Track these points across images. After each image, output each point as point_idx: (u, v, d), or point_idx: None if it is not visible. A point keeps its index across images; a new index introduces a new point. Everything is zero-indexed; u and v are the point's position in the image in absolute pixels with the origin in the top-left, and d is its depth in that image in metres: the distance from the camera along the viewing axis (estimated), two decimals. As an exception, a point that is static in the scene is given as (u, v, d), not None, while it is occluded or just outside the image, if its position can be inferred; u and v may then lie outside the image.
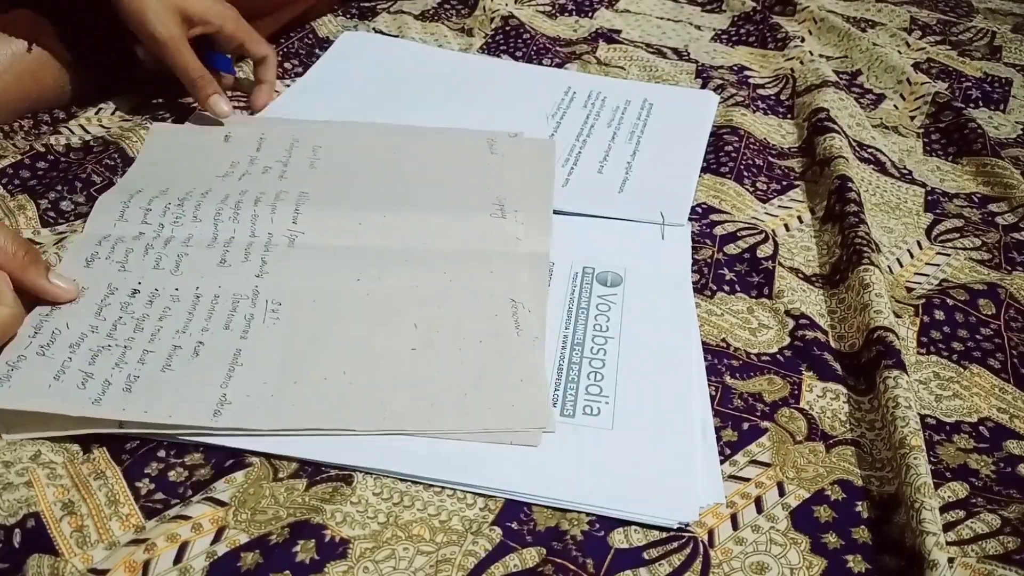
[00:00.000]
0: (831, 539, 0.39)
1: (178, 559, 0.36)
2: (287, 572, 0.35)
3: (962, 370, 0.50)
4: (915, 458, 0.40)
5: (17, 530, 0.36)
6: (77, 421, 0.40)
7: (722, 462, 0.42)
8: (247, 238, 0.51)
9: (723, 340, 0.50)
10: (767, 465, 0.43)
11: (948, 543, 0.39)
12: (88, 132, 0.64)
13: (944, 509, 0.41)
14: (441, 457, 0.41)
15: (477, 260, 0.51)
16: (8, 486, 0.38)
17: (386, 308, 0.47)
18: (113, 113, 0.67)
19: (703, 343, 0.50)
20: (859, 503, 0.41)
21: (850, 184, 0.62)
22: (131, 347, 0.43)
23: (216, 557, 0.36)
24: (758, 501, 0.41)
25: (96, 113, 0.67)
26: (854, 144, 0.72)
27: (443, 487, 0.40)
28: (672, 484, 0.40)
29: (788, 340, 0.51)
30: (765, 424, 0.45)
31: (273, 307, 0.46)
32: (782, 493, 0.41)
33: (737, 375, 0.48)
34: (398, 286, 0.49)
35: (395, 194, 0.57)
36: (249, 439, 0.41)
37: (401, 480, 0.40)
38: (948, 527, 0.40)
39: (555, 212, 0.59)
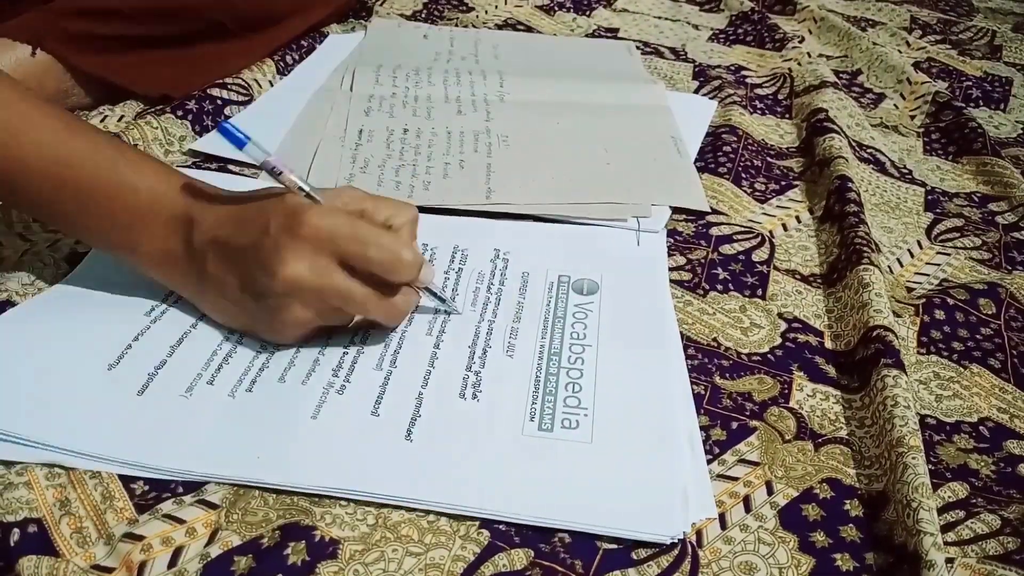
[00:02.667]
0: (819, 537, 0.39)
1: (172, 563, 0.36)
2: (279, 576, 0.36)
3: (962, 370, 0.50)
4: (913, 458, 0.40)
5: (15, 529, 0.36)
6: None
7: (710, 461, 0.42)
8: (470, 97, 0.73)
9: (714, 339, 0.50)
10: (756, 464, 0.42)
11: (948, 543, 0.39)
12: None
13: (944, 509, 0.41)
14: (415, 478, 0.40)
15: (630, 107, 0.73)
16: (8, 486, 0.38)
17: (576, 137, 0.68)
18: (120, 120, 0.67)
19: (694, 342, 0.50)
20: (848, 501, 0.41)
21: (850, 184, 0.62)
22: (417, 164, 0.63)
23: (210, 559, 0.36)
24: (746, 500, 0.40)
25: (101, 121, 0.67)
26: (854, 144, 0.72)
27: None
28: (659, 498, 0.39)
29: (779, 340, 0.51)
30: (754, 423, 0.45)
31: (503, 137, 0.67)
32: (771, 492, 0.41)
33: (727, 375, 0.48)
34: (581, 124, 0.70)
35: (562, 68, 0.80)
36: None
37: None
38: (948, 527, 0.40)
39: (530, 218, 0.59)
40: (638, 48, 0.88)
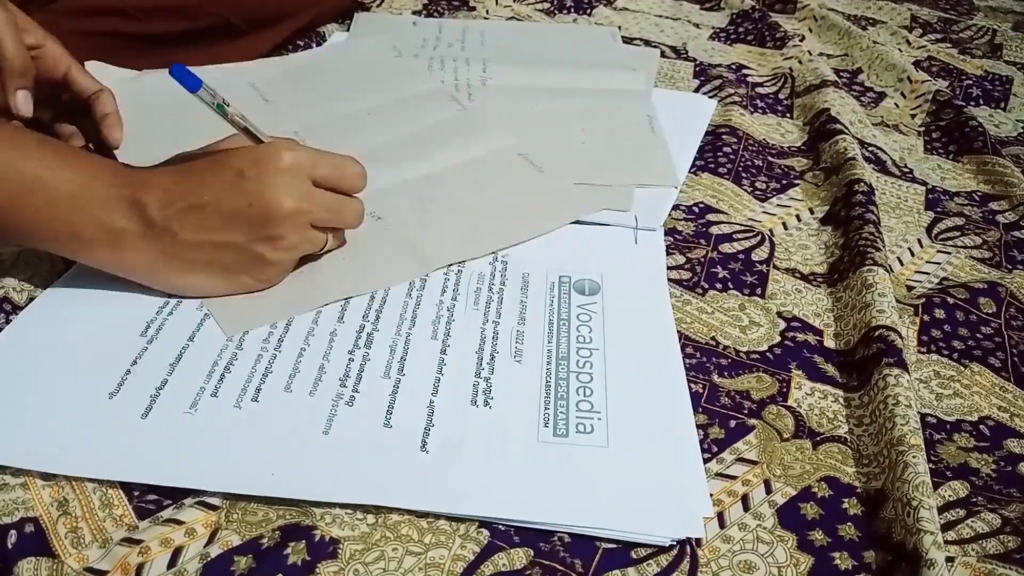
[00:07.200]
0: (818, 536, 0.39)
1: (172, 563, 0.36)
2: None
3: (963, 369, 0.50)
4: (914, 457, 0.40)
5: (12, 531, 0.36)
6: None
7: (708, 460, 0.42)
8: (453, 81, 0.76)
9: (712, 338, 0.50)
10: (754, 463, 0.42)
11: (948, 542, 0.39)
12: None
13: (944, 508, 0.41)
14: (436, 492, 0.39)
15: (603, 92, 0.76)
16: (4, 487, 0.38)
17: (553, 119, 0.70)
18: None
19: (692, 341, 0.50)
20: (846, 500, 0.41)
21: (859, 187, 0.62)
22: None
23: (209, 559, 0.36)
24: (745, 499, 0.40)
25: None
26: (857, 141, 0.72)
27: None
28: (677, 499, 0.39)
29: (778, 339, 0.51)
30: (752, 422, 0.45)
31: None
32: (769, 491, 0.41)
33: (725, 373, 0.48)
34: (559, 107, 0.72)
35: (546, 56, 0.82)
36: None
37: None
38: (948, 526, 0.40)
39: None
40: (638, 46, 0.88)
